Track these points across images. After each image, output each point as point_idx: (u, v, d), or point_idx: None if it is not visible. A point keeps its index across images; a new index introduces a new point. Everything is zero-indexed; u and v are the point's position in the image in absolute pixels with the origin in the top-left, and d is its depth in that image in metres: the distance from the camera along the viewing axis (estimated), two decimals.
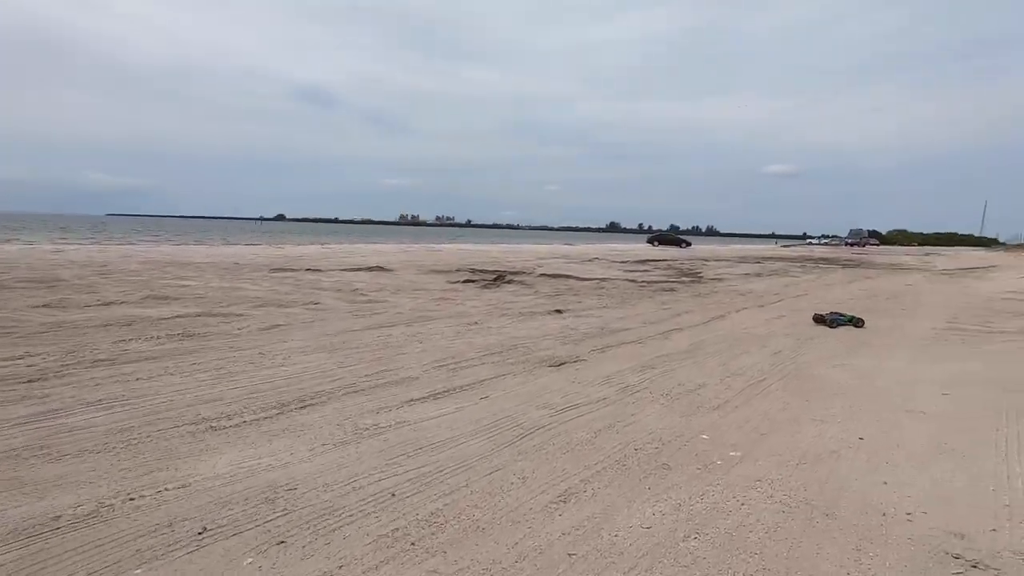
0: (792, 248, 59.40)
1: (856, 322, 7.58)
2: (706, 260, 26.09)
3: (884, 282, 16.23)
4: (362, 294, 9.80)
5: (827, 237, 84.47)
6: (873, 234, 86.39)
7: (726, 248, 51.43)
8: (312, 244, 31.62)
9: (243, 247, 26.41)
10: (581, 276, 14.67)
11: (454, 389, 4.11)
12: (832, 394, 4.08)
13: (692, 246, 48.16)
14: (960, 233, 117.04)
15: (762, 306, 9.65)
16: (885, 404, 3.81)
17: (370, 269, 15.05)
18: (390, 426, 3.30)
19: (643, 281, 13.86)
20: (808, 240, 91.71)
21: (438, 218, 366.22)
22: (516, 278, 13.47)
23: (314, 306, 8.06)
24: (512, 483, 2.53)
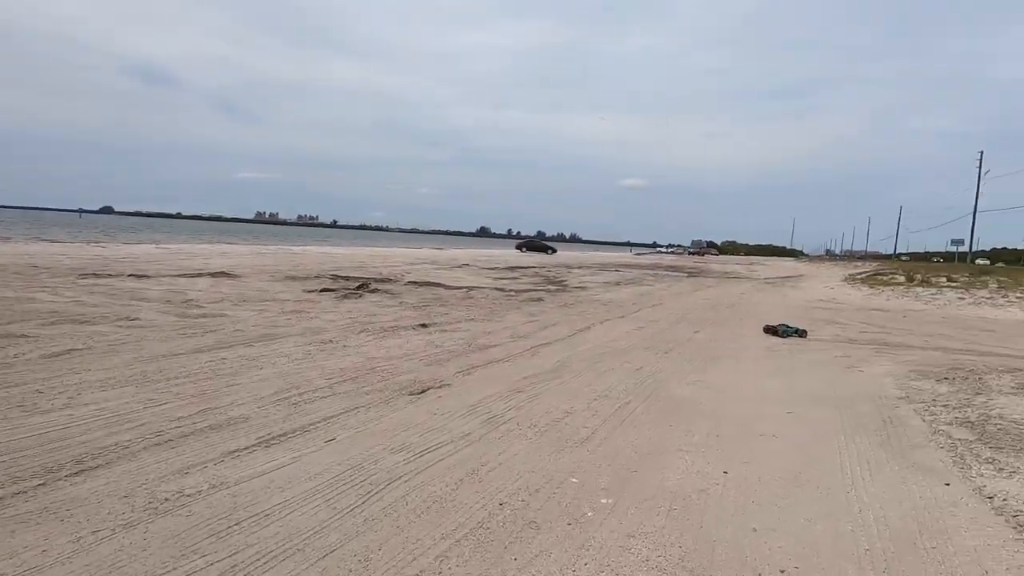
0: (644, 256, 64.70)
1: (800, 333, 8.41)
2: (570, 267, 27.16)
3: (722, 291, 17.99)
4: (197, 306, 8.50)
5: (673, 246, 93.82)
6: (711, 245, 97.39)
7: (588, 255, 54.42)
8: (144, 243, 27.59)
9: (50, 244, 22.23)
10: (450, 284, 14.30)
11: (293, 431, 3.49)
12: (692, 417, 4.13)
13: (557, 253, 50.23)
14: (775, 245, 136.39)
15: (623, 316, 10.02)
16: (741, 428, 3.91)
17: (213, 275, 13.30)
18: (200, 492, 2.62)
19: (511, 290, 13.86)
20: (657, 249, 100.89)
21: (300, 217, 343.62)
22: (382, 286, 12.73)
23: (130, 323, 6.75)
24: (351, 570, 2.05)
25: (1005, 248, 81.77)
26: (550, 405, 4.25)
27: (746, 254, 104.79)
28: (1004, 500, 2.67)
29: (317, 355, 5.69)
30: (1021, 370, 5.82)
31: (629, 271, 27.82)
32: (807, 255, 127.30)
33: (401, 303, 10.15)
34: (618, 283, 18.86)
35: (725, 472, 3.01)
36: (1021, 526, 2.40)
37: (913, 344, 8.30)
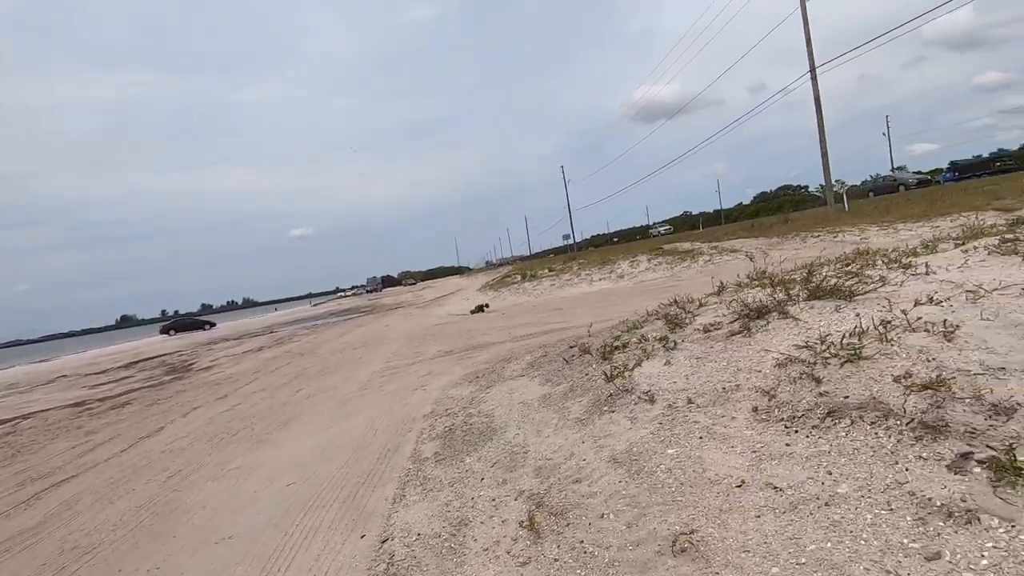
0: (322, 305, 62.62)
1: None
2: (214, 343, 23.83)
3: (371, 327, 18.00)
4: None
5: (355, 288, 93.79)
6: (387, 279, 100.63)
7: (257, 319, 49.48)
8: None
9: None
10: None
11: None
12: (163, 547, 3.33)
13: (217, 326, 44.09)
14: (446, 266, 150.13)
15: (224, 396, 8.73)
16: (206, 535, 3.27)
17: None
18: None
19: (98, 400, 10.93)
20: (340, 292, 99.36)
21: None
22: None
23: None
24: None
25: (596, 235, 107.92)
26: None
27: (423, 279, 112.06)
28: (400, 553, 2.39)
29: None
30: (545, 345, 6.87)
31: (288, 328, 25.99)
32: (471, 268, 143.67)
33: None
34: (260, 348, 17.13)
35: None
36: None
37: (498, 340, 9.26)
